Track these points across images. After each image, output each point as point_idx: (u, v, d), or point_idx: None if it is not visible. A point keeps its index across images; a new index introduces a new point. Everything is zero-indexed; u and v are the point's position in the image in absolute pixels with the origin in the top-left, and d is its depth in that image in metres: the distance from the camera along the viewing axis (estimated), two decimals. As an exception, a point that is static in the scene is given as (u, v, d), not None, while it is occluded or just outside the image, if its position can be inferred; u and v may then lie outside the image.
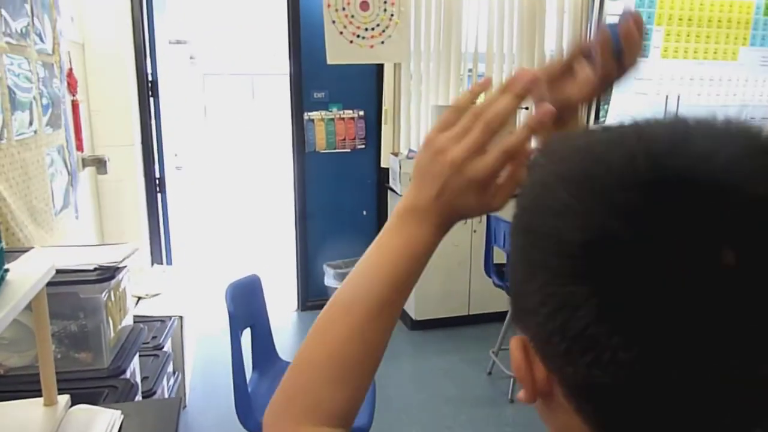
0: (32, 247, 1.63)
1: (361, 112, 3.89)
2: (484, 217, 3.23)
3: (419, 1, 3.82)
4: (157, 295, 2.81)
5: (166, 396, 2.23)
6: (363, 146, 3.93)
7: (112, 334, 1.58)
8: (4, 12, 1.76)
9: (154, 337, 2.31)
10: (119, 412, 1.19)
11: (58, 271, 1.16)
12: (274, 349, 2.25)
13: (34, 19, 2.02)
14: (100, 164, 2.82)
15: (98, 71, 3.04)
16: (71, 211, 2.38)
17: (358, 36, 3.63)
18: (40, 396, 1.14)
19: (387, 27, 3.67)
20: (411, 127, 3.99)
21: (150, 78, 3.36)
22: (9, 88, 1.76)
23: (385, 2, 3.64)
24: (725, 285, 0.30)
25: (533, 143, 0.52)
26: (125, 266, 1.61)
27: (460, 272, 3.62)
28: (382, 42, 3.68)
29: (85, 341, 1.52)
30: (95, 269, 1.50)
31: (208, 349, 3.37)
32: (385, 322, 0.53)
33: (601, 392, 0.33)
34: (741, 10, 4.23)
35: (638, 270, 0.30)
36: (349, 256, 3.99)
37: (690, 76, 4.26)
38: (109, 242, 3.07)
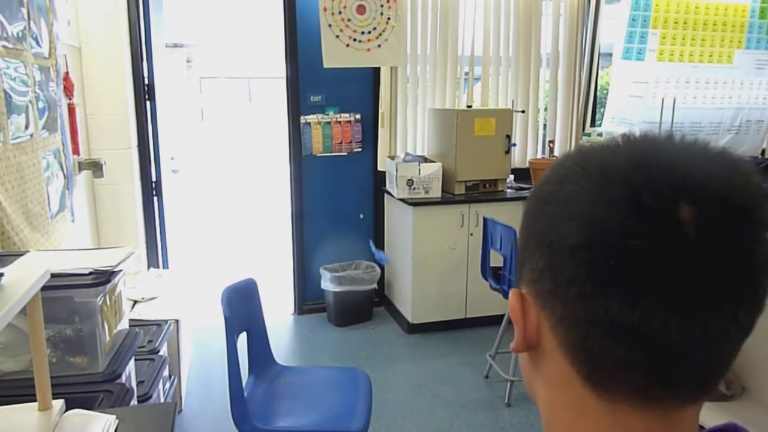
0: (28, 251, 1.62)
1: (358, 116, 3.89)
2: (481, 221, 3.23)
3: (416, 4, 3.83)
4: (153, 298, 2.80)
5: (162, 400, 2.22)
6: (359, 150, 3.94)
7: (108, 339, 1.57)
8: (0, 16, 1.75)
9: (149, 341, 2.31)
10: (114, 416, 1.18)
11: (53, 275, 1.16)
12: (271, 353, 2.25)
13: (31, 22, 2.02)
14: (96, 167, 2.82)
15: (94, 74, 3.04)
16: (67, 214, 2.37)
17: (355, 40, 3.64)
18: (35, 401, 1.13)
19: (384, 30, 3.68)
20: (407, 131, 4.00)
21: (146, 81, 3.36)
22: (5, 91, 1.75)
23: (382, 6, 3.65)
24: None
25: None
26: (121, 270, 1.60)
27: (457, 275, 3.62)
28: (379, 45, 3.69)
29: (81, 345, 1.51)
30: (90, 273, 1.50)
31: (204, 353, 3.36)
32: None
33: (577, 322, 0.41)
34: (736, 14, 4.25)
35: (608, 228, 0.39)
36: (346, 260, 3.99)
37: (686, 79, 4.28)
38: (105, 246, 3.06)
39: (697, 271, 0.37)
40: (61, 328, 1.49)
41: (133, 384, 1.76)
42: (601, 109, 4.56)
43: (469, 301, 3.67)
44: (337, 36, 3.60)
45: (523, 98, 4.12)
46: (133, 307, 2.69)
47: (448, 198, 3.62)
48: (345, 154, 3.92)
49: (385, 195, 3.96)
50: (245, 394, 1.95)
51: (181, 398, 2.79)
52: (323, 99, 3.83)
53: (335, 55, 3.62)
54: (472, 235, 3.57)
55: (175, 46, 11.98)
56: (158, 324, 2.48)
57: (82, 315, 1.50)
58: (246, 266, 5.08)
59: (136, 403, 1.70)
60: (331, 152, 3.88)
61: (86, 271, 1.49)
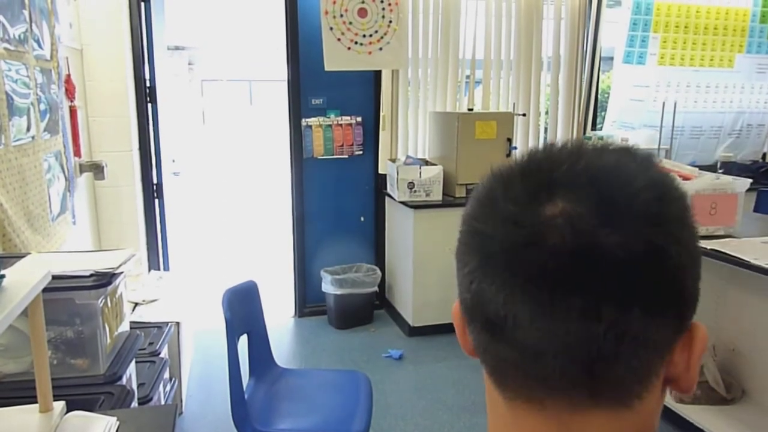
0: (29, 253, 1.63)
1: (359, 119, 3.90)
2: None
3: (417, 7, 3.83)
4: (154, 301, 2.80)
5: (163, 402, 2.22)
6: (361, 152, 3.94)
7: (109, 341, 1.57)
8: (2, 18, 1.76)
9: (150, 344, 2.31)
10: (115, 418, 1.18)
11: (55, 277, 1.16)
12: (271, 355, 2.25)
13: (33, 25, 2.03)
14: (97, 170, 2.82)
15: (96, 77, 3.04)
16: (68, 216, 2.37)
17: (356, 43, 3.64)
18: (36, 402, 1.13)
19: (385, 34, 3.68)
20: (409, 134, 4.00)
21: (148, 84, 3.36)
22: (7, 93, 1.76)
23: (384, 9, 3.66)
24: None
25: None
26: (122, 272, 1.60)
27: (458, 278, 3.61)
28: (381, 48, 3.69)
29: (81, 347, 1.51)
30: (91, 275, 1.50)
31: (205, 355, 3.36)
32: None
33: (470, 318, 0.43)
34: (737, 18, 4.26)
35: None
36: (347, 262, 3.99)
37: (686, 82, 4.28)
38: (107, 248, 3.07)
39: (554, 264, 0.37)
40: (62, 330, 1.50)
41: (134, 386, 1.76)
42: (602, 113, 4.56)
43: (470, 304, 3.67)
44: (339, 39, 3.61)
45: (524, 101, 4.13)
46: (133, 310, 2.69)
47: (448, 201, 3.63)
48: (346, 156, 3.92)
49: (386, 198, 3.96)
50: (246, 396, 1.95)
51: (181, 400, 2.79)
52: (324, 102, 3.83)
53: (336, 58, 3.62)
54: (472, 238, 3.57)
55: (177, 48, 11.99)
56: (159, 326, 2.48)
57: (83, 317, 1.50)
58: (247, 268, 5.08)
59: (136, 405, 1.70)
60: (332, 155, 3.89)
61: (87, 273, 1.50)
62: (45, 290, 1.08)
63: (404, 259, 3.72)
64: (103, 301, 1.53)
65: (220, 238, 6.54)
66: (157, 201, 3.50)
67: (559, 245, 0.37)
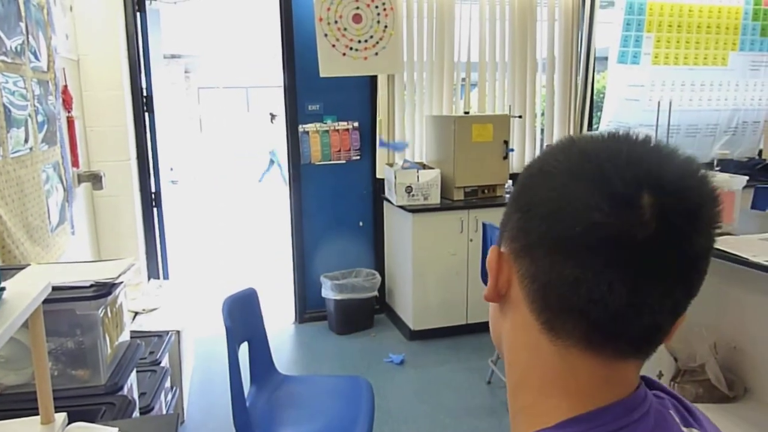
0: (28, 264, 1.63)
1: (356, 124, 3.91)
2: (480, 227, 3.24)
3: (411, 11, 3.85)
4: (154, 310, 2.80)
5: (164, 412, 2.21)
6: (358, 157, 3.95)
7: (109, 351, 1.57)
8: (-2, 31, 1.76)
9: (151, 353, 2.30)
10: (117, 429, 1.18)
11: (55, 288, 1.16)
12: (272, 362, 2.25)
13: (29, 37, 2.03)
14: (95, 180, 2.82)
15: (93, 87, 3.05)
16: (67, 227, 2.37)
17: (351, 48, 3.65)
18: (37, 414, 1.13)
19: (381, 38, 3.70)
20: (405, 138, 4.01)
21: (145, 93, 3.37)
22: (4, 105, 1.76)
23: (379, 14, 3.67)
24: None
25: None
26: (121, 282, 1.61)
27: (458, 281, 3.62)
28: (376, 53, 3.71)
29: (82, 358, 1.51)
30: (91, 286, 1.50)
31: (206, 363, 3.36)
32: None
33: (540, 277, 0.49)
34: (729, 16, 4.28)
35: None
36: (346, 267, 3.99)
37: (681, 81, 4.30)
38: (106, 257, 3.07)
39: (646, 250, 0.44)
40: (62, 341, 1.50)
41: (135, 396, 1.76)
42: (598, 113, 4.58)
43: (470, 307, 3.67)
44: (333, 45, 3.62)
45: (520, 103, 4.14)
46: (134, 319, 2.69)
47: (447, 204, 3.63)
48: (344, 162, 3.93)
49: (385, 202, 3.97)
50: (247, 404, 1.95)
51: (183, 409, 2.78)
52: (321, 108, 3.84)
53: (331, 64, 3.63)
54: (471, 240, 3.58)
55: (173, 57, 12.02)
56: (159, 335, 2.48)
57: (84, 327, 1.50)
58: (246, 275, 5.08)
59: (138, 415, 1.69)
60: (330, 160, 3.89)
61: (87, 284, 1.50)
62: (45, 301, 1.08)
63: (404, 262, 3.72)
64: (104, 311, 1.53)
65: (219, 246, 6.54)
66: (155, 210, 3.50)
67: (652, 236, 0.44)
